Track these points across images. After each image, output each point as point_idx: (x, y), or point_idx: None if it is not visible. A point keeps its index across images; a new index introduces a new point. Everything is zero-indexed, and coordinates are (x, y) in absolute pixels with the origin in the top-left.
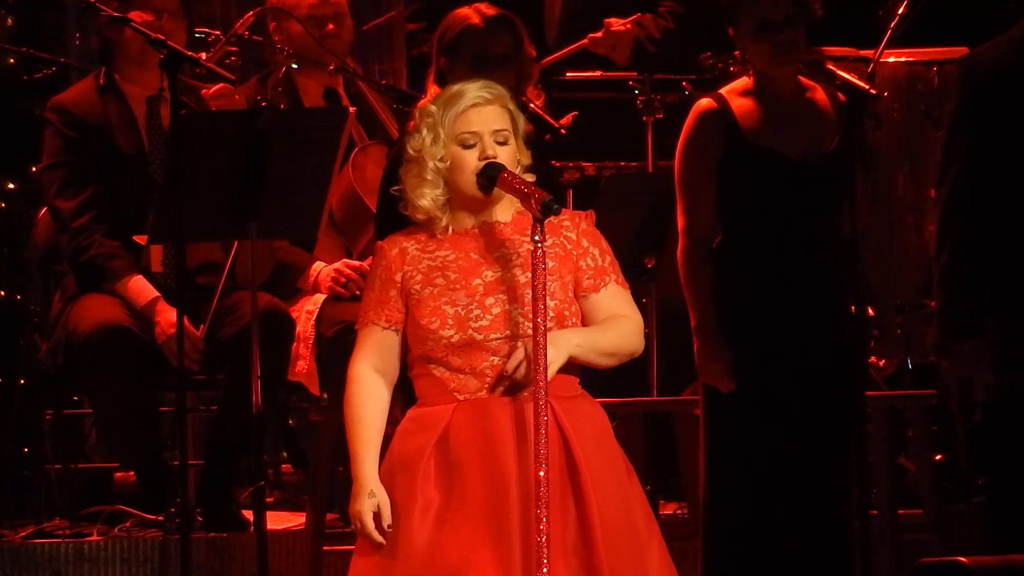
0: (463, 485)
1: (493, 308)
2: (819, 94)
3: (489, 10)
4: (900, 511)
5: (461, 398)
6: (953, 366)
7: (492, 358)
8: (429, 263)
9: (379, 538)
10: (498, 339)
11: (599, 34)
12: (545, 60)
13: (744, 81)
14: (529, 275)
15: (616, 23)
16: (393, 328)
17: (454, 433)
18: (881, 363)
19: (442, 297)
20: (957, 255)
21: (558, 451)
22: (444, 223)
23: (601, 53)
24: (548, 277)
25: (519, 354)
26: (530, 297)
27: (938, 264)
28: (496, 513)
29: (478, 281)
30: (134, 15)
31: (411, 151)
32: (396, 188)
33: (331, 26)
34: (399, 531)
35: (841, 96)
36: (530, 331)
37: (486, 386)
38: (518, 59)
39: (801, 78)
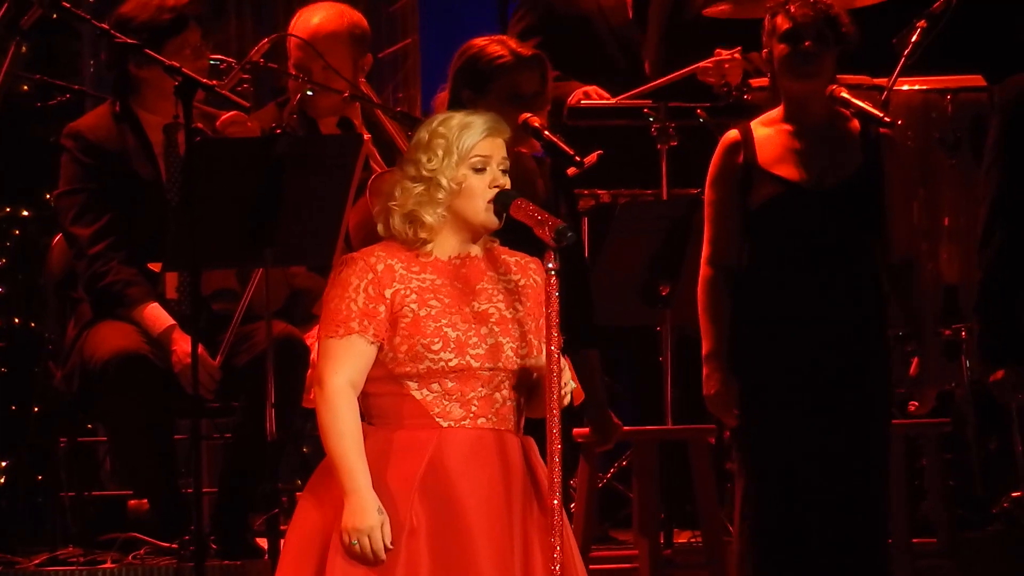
0: (461, 517)
1: (488, 338)
2: (852, 123)
3: (519, 47)
4: (915, 539)
5: (444, 424)
6: (997, 393)
7: (480, 388)
8: (419, 283)
9: (383, 557)
10: (490, 370)
11: (709, 63)
12: (647, 86)
13: (776, 111)
14: (514, 309)
15: (726, 54)
16: (377, 343)
17: (447, 462)
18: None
19: (442, 318)
20: (995, 280)
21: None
22: (429, 247)
23: (710, 83)
24: (527, 315)
25: (568, 375)
26: (519, 331)
27: (977, 290)
28: (499, 548)
29: (468, 309)
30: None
31: (424, 171)
32: (394, 203)
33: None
34: (390, 554)
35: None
36: (514, 365)
37: (470, 415)
38: (544, 94)
39: (839, 108)
